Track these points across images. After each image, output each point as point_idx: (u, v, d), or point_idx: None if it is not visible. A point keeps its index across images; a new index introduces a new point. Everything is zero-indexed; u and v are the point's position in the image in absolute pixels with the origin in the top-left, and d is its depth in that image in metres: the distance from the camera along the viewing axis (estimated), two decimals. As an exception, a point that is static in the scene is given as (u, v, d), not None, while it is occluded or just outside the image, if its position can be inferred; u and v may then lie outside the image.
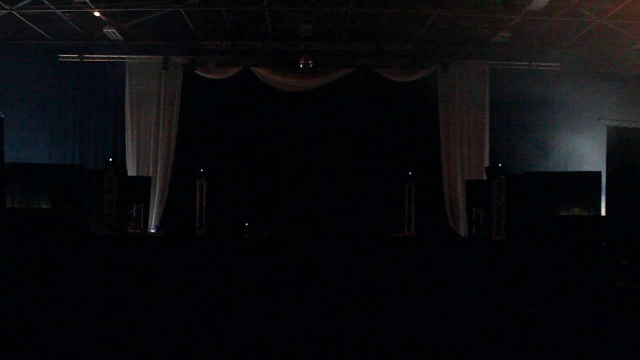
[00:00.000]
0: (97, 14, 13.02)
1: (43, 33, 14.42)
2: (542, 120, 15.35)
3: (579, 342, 5.68)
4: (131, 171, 14.90)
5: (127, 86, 15.28)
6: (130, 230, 13.84)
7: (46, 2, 12.61)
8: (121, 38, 14.12)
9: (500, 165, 13.47)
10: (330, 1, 12.80)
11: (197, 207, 14.33)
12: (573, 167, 14.47)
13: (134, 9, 12.97)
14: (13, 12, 12.97)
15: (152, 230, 14.91)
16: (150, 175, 15.09)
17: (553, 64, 15.15)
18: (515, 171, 14.78)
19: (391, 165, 15.28)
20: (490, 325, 6.44)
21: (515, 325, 6.35)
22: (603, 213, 13.11)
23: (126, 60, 15.23)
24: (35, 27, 14.00)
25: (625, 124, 13.04)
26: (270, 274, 9.30)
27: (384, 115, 15.55)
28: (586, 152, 14.30)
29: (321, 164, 15.26)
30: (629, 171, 12.57)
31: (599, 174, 13.44)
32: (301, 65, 14.67)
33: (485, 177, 14.18)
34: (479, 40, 14.68)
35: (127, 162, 15.03)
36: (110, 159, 13.29)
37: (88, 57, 15.10)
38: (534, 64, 15.24)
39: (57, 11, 13.02)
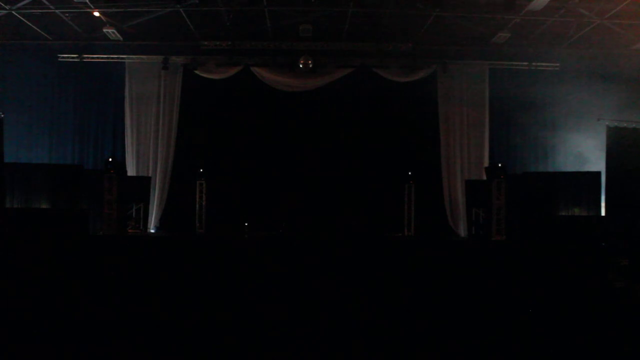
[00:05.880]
0: (97, 14, 13.04)
1: (43, 33, 14.43)
2: (542, 120, 15.35)
3: (578, 342, 5.68)
4: (131, 171, 14.90)
5: (127, 86, 15.28)
6: (130, 230, 13.85)
7: (46, 2, 12.61)
8: (121, 38, 14.14)
9: (500, 165, 13.48)
10: (330, 1, 12.81)
11: (197, 207, 14.34)
12: (573, 167, 14.48)
13: (134, 9, 12.98)
14: (13, 12, 12.99)
15: (152, 230, 14.92)
16: (150, 175, 15.09)
17: (553, 64, 15.16)
18: (515, 171, 14.78)
19: (391, 165, 15.29)
20: (490, 325, 6.44)
21: (515, 326, 6.35)
22: (603, 213, 13.11)
23: (126, 60, 15.23)
24: (35, 27, 14.01)
25: (625, 124, 13.04)
26: (270, 274, 9.30)
27: (384, 115, 15.56)
28: (586, 152, 14.30)
29: (321, 163, 15.26)
30: (629, 171, 12.57)
31: (598, 174, 13.44)
32: (301, 65, 14.68)
33: (485, 177, 14.19)
34: (479, 40, 14.69)
35: (127, 162, 15.03)
36: (110, 159, 13.29)
37: (88, 57, 15.11)
38: (533, 64, 15.24)
39: (57, 11, 13.04)
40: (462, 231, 15.17)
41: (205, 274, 9.20)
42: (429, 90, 15.43)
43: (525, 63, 15.27)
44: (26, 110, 15.12)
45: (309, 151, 15.38)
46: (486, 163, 15.12)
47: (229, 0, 12.74)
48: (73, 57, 15.12)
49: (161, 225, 15.14)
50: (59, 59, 15.08)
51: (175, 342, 5.62)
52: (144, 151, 15.28)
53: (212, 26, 14.18)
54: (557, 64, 15.13)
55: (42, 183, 13.18)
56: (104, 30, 13.56)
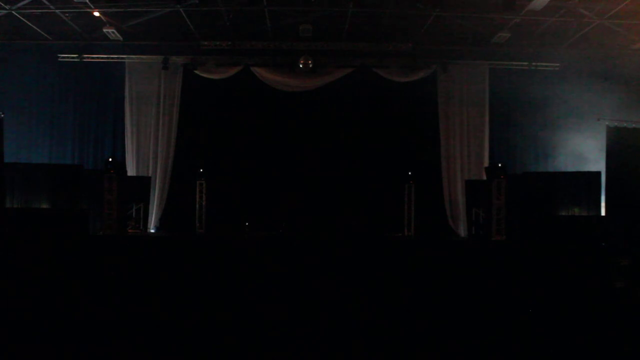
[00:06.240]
0: (96, 14, 13.04)
1: (43, 33, 14.43)
2: (542, 120, 15.34)
3: (578, 342, 5.68)
4: (131, 171, 14.89)
5: (127, 86, 15.27)
6: (130, 230, 13.84)
7: (46, 2, 12.61)
8: (121, 38, 14.14)
9: (500, 165, 13.47)
10: (330, 1, 12.81)
11: (197, 207, 14.34)
12: (573, 167, 14.48)
13: (134, 9, 12.98)
14: (13, 12, 12.99)
15: (152, 230, 14.92)
16: (150, 175, 15.09)
17: (553, 64, 15.15)
18: (515, 171, 14.77)
19: (391, 165, 15.28)
20: (490, 325, 6.44)
21: (515, 326, 6.35)
22: (603, 213, 13.11)
23: (126, 60, 15.22)
24: (35, 27, 14.01)
25: (625, 124, 13.03)
26: (270, 274, 9.30)
27: (384, 115, 15.54)
28: (586, 152, 14.30)
29: (321, 163, 15.26)
30: (629, 171, 12.55)
31: (598, 174, 13.43)
32: (301, 65, 14.68)
33: (485, 177, 14.18)
34: (479, 40, 14.70)
35: (127, 162, 15.02)
36: (110, 159, 13.28)
37: (88, 57, 15.11)
38: (533, 64, 15.24)
39: (57, 11, 13.04)
40: (462, 231, 15.16)
41: (205, 274, 9.21)
42: (429, 90, 15.42)
43: (525, 63, 15.26)
44: (26, 110, 15.12)
45: (309, 151, 15.37)
46: (486, 163, 15.11)
47: (229, 0, 12.73)
48: (73, 57, 15.11)
49: (161, 225, 15.13)
50: (59, 59, 15.07)
51: (175, 342, 5.62)
52: (144, 151, 15.27)
53: (212, 26, 14.18)
54: (557, 64, 15.12)
55: (42, 183, 13.16)
56: (104, 30, 13.56)
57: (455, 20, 13.56)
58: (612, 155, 12.61)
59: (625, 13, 12.72)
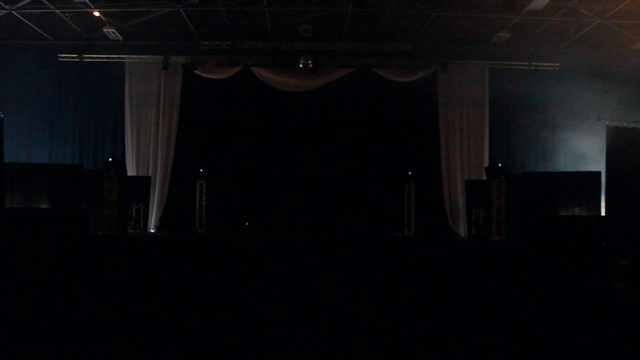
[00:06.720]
0: (96, 14, 13.04)
1: (43, 33, 14.44)
2: (542, 120, 15.33)
3: (578, 342, 5.68)
4: (131, 171, 14.90)
5: (127, 86, 15.27)
6: (130, 230, 13.84)
7: (46, 2, 12.61)
8: (121, 38, 14.15)
9: (500, 165, 13.47)
10: (330, 1, 12.81)
11: (197, 207, 14.34)
12: (573, 167, 14.48)
13: (134, 9, 12.98)
14: (13, 12, 12.99)
15: (152, 230, 14.92)
16: (150, 175, 15.09)
17: (553, 64, 15.16)
18: (515, 171, 14.78)
19: (391, 165, 15.29)
20: (490, 325, 6.44)
21: (515, 326, 6.35)
22: (603, 213, 13.11)
23: (126, 60, 15.22)
24: (35, 27, 14.01)
25: (625, 124, 13.04)
26: (270, 274, 9.30)
27: (384, 115, 15.54)
28: (586, 152, 14.31)
29: (321, 163, 15.27)
30: (629, 171, 12.56)
31: (598, 174, 13.44)
32: (301, 65, 14.69)
33: (485, 177, 14.18)
34: (479, 40, 14.69)
35: (127, 162, 15.03)
36: (110, 159, 13.28)
37: (88, 57, 15.11)
38: (533, 64, 15.24)
39: (57, 11, 13.04)
40: (462, 231, 15.17)
41: (205, 274, 9.20)
42: (429, 90, 15.42)
43: (525, 63, 15.27)
44: (26, 110, 15.11)
45: (309, 151, 15.37)
46: (486, 163, 15.12)
47: (229, 1, 12.74)
48: (73, 57, 15.12)
49: (161, 225, 15.14)
50: (59, 59, 15.07)
51: (175, 342, 5.62)
52: (144, 151, 15.28)
53: (212, 26, 14.18)
54: (557, 64, 15.13)
55: (42, 183, 13.17)
56: (104, 30, 13.56)
57: (455, 20, 13.55)
58: (612, 155, 12.62)
59: (625, 13, 12.72)
